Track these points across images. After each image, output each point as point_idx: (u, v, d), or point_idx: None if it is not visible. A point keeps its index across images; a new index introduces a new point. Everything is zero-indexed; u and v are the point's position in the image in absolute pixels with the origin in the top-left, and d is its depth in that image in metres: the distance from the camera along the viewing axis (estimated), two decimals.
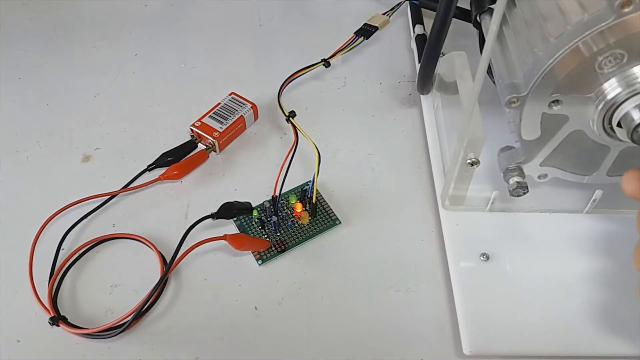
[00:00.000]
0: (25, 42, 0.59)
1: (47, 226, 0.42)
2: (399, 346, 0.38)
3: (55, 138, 0.50)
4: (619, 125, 0.33)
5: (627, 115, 0.32)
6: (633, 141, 0.32)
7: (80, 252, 0.42)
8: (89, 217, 0.43)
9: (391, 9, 0.58)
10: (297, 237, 0.42)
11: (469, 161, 0.37)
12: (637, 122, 0.31)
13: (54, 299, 0.39)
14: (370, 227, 0.44)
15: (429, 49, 0.43)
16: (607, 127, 0.34)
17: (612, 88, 0.32)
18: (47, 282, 0.39)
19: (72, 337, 0.37)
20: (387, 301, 0.40)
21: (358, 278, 0.41)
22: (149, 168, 0.47)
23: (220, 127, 0.48)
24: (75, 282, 0.40)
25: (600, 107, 0.33)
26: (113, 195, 0.45)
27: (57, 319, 0.37)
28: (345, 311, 0.39)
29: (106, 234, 0.43)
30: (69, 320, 0.38)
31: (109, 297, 0.40)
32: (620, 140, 0.34)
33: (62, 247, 0.41)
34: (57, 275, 0.40)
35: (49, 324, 0.37)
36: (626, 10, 0.29)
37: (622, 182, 0.30)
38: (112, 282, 0.40)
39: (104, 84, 0.55)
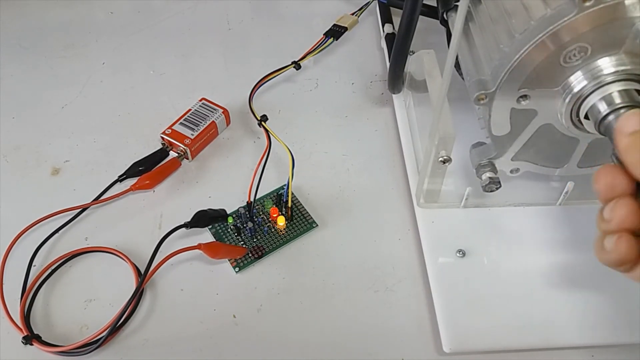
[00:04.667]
0: None
1: (17, 242, 0.41)
2: (380, 346, 0.38)
3: (23, 152, 0.49)
4: (586, 117, 0.33)
5: (593, 107, 0.32)
6: (600, 133, 0.32)
7: (53, 267, 0.41)
8: (60, 232, 0.43)
9: (360, 9, 0.58)
10: (274, 242, 0.42)
11: (440, 159, 0.37)
12: (604, 114, 0.31)
13: (26, 317, 0.38)
14: (347, 229, 0.44)
15: (397, 48, 0.43)
16: (575, 119, 0.34)
17: (578, 81, 0.33)
18: (19, 300, 0.39)
19: (47, 356, 0.37)
20: (367, 302, 0.39)
21: (337, 280, 0.41)
22: (120, 179, 0.46)
23: (192, 134, 0.47)
24: (48, 298, 0.40)
25: (567, 100, 0.33)
26: (84, 208, 0.44)
27: (31, 338, 0.36)
28: (325, 314, 0.39)
29: (78, 248, 0.42)
30: (43, 338, 0.37)
31: (84, 312, 0.39)
32: (589, 132, 0.35)
33: (33, 264, 0.41)
34: (30, 293, 0.39)
35: (22, 344, 0.36)
36: (587, 4, 0.29)
37: (594, 179, 0.30)
38: (86, 297, 0.39)
39: (71, 94, 0.54)
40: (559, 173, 0.40)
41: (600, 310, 0.37)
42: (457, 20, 0.30)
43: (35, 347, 0.36)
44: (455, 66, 0.35)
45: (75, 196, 0.45)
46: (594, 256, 0.41)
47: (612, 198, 0.28)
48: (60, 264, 0.41)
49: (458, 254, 0.39)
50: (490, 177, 0.38)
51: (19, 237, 0.41)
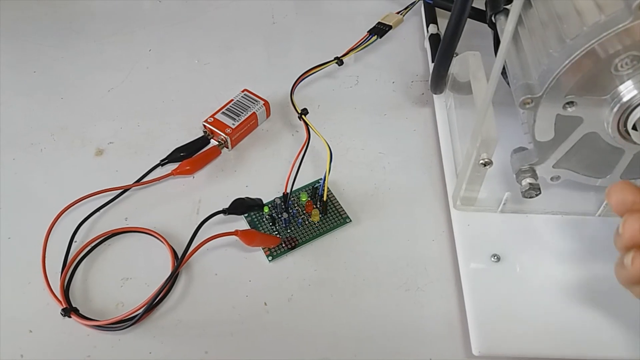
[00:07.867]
0: (41, 36, 0.60)
1: (60, 218, 0.43)
2: (407, 345, 0.38)
3: (69, 131, 0.50)
4: (634, 128, 0.33)
5: None
6: None
7: (93, 244, 0.42)
8: (101, 211, 0.44)
9: (405, 8, 0.58)
10: (308, 234, 0.43)
11: (481, 161, 0.37)
12: None
13: (66, 291, 0.39)
14: (381, 226, 0.44)
15: (443, 49, 0.43)
16: (622, 129, 0.34)
17: (628, 90, 0.32)
18: (60, 273, 0.40)
19: (83, 329, 0.38)
20: (397, 300, 0.40)
21: (367, 276, 0.41)
22: (162, 163, 0.47)
23: (233, 124, 0.48)
24: (87, 274, 0.41)
25: (615, 109, 0.33)
26: (125, 189, 0.45)
27: (69, 311, 0.38)
28: (354, 309, 0.39)
29: (118, 227, 0.43)
30: (80, 311, 0.38)
31: (120, 290, 0.40)
32: (635, 143, 0.34)
33: (74, 240, 0.42)
34: (70, 267, 0.41)
35: (60, 315, 0.38)
36: None
37: (607, 191, 0.30)
38: (123, 275, 0.41)
39: (117, 79, 0.55)
40: (601, 183, 0.39)
41: (637, 324, 0.36)
42: (508, 23, 0.30)
43: (73, 319, 0.38)
44: None
45: (117, 177, 0.46)
46: None
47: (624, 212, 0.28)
48: (100, 241, 0.42)
49: (492, 259, 0.39)
50: (530, 183, 0.37)
51: (62, 214, 0.43)
